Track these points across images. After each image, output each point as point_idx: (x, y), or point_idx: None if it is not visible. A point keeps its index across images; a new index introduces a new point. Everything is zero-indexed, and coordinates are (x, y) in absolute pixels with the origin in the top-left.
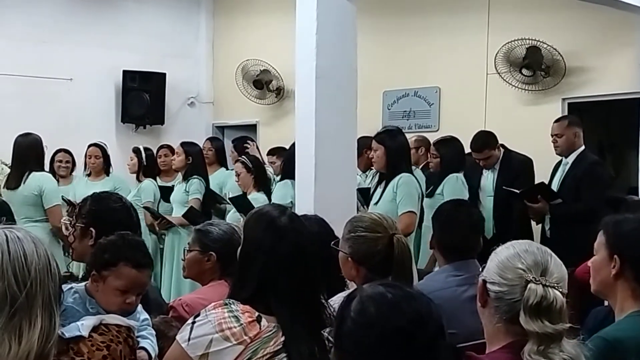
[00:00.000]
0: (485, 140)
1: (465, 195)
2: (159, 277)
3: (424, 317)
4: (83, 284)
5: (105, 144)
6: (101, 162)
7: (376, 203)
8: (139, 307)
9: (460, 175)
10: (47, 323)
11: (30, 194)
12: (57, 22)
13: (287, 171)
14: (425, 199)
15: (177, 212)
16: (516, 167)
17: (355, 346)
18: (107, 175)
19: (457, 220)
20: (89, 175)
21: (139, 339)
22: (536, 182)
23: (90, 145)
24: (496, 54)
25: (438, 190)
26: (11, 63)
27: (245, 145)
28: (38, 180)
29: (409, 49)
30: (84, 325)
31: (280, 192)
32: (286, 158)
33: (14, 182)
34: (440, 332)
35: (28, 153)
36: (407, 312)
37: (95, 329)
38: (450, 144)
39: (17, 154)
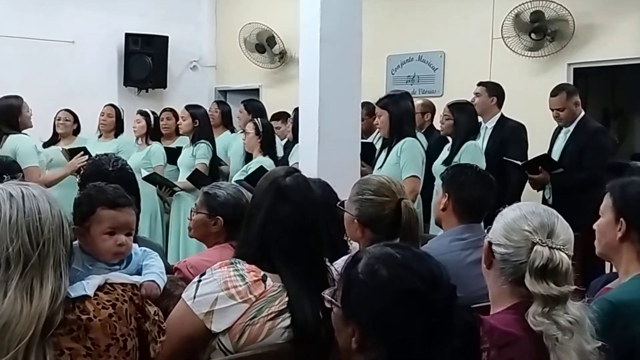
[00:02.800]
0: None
1: (483, 164)
2: (165, 241)
3: (437, 277)
4: (75, 242)
5: (122, 108)
6: (112, 122)
7: (380, 167)
8: (135, 245)
9: (478, 142)
10: (57, 283)
11: None
12: None
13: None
14: (440, 166)
15: (183, 176)
16: (507, 133)
17: (367, 309)
18: (116, 137)
19: (478, 179)
20: (100, 136)
21: (144, 270)
22: (534, 147)
23: (106, 105)
24: (504, 20)
25: (456, 159)
26: (13, 25)
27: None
28: (12, 143)
29: (413, 13)
30: (89, 285)
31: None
32: (294, 122)
33: None
34: (453, 292)
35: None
36: (419, 272)
37: (100, 288)
38: (465, 108)
39: None
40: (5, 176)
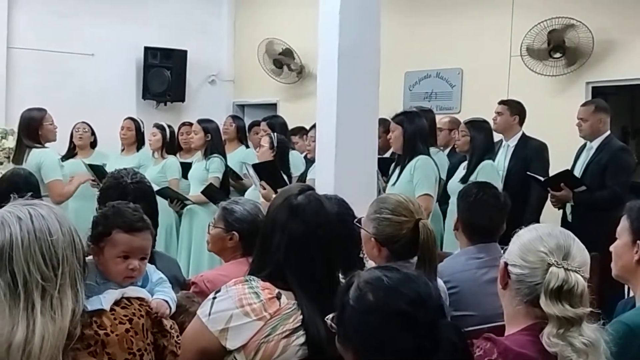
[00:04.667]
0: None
1: (499, 183)
2: (177, 254)
3: (423, 297)
4: (91, 257)
5: (141, 121)
6: (133, 135)
7: (393, 184)
8: (152, 267)
9: (494, 161)
10: (75, 300)
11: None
12: None
13: None
14: (457, 184)
15: (194, 190)
16: (530, 151)
17: (357, 333)
18: (137, 151)
19: (485, 202)
20: (123, 150)
21: (156, 294)
22: (551, 167)
23: (126, 118)
24: (523, 38)
25: (472, 177)
26: (33, 37)
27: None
28: (37, 157)
29: (431, 30)
30: (106, 299)
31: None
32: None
33: (18, 157)
34: (440, 311)
35: (21, 129)
36: (405, 294)
37: (117, 302)
38: (482, 126)
39: (18, 130)
40: (12, 195)
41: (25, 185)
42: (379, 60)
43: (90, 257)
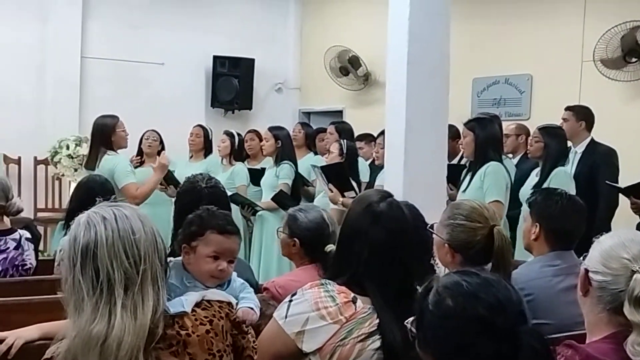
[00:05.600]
0: None
1: (573, 190)
2: (246, 258)
3: (503, 302)
4: (179, 258)
5: (210, 128)
6: (201, 142)
7: (464, 191)
8: (234, 274)
9: (567, 168)
10: (156, 298)
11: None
12: (151, 7)
13: None
14: (529, 191)
15: (266, 196)
16: (598, 157)
17: (436, 338)
18: (205, 158)
19: (569, 208)
20: (191, 157)
21: (241, 301)
22: (621, 173)
23: (195, 126)
24: (596, 42)
25: (545, 184)
26: (106, 48)
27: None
28: (110, 162)
29: (500, 35)
30: (187, 301)
31: (382, 177)
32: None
33: (91, 163)
34: (521, 316)
35: (94, 135)
36: (484, 299)
37: (197, 304)
38: (557, 133)
39: (91, 136)
40: (98, 199)
41: (101, 191)
42: (448, 66)
43: (179, 258)
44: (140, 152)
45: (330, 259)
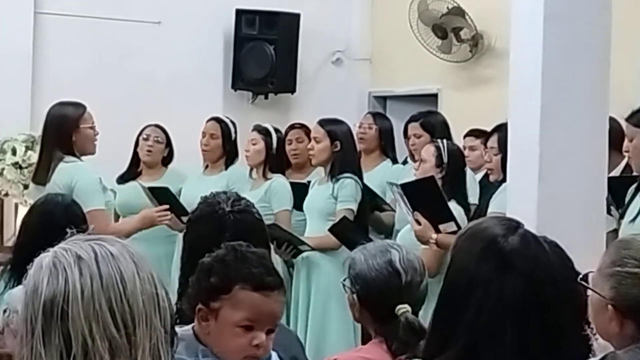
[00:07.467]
0: None
1: None
2: (288, 322)
3: None
4: (189, 327)
5: (232, 122)
6: (218, 145)
7: (632, 220)
8: (274, 355)
9: None
10: None
11: None
12: None
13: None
14: None
15: (313, 226)
16: None
17: None
18: (226, 168)
19: None
20: (206, 167)
21: None
22: None
23: (208, 120)
24: None
25: None
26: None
27: None
28: (65, 175)
29: None
30: None
31: (501, 197)
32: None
33: (41, 174)
34: None
35: (48, 131)
36: None
37: None
38: None
39: (42, 132)
40: (69, 229)
41: (63, 217)
42: (609, 26)
43: (189, 327)
44: (136, 160)
45: (403, 327)
